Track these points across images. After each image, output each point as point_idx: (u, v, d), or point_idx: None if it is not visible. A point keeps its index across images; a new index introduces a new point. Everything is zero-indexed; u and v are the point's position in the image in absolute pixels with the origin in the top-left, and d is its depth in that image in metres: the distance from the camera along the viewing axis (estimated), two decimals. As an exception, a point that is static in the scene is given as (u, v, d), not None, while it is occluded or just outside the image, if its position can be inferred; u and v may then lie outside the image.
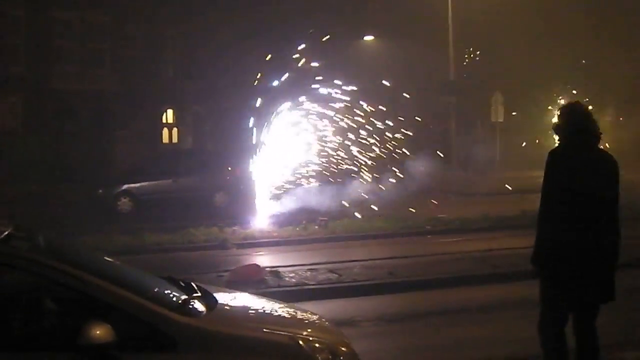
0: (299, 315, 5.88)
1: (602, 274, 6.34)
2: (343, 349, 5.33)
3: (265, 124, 20.57)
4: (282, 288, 11.96)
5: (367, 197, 22.14)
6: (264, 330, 5.18)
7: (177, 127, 40.68)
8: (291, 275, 13.10)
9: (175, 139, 40.60)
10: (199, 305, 5.26)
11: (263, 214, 20.75)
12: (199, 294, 5.50)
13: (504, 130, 37.25)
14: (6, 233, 5.19)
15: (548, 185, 6.40)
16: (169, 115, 40.64)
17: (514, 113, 40.51)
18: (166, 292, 5.46)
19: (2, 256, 4.85)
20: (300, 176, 21.36)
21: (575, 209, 6.24)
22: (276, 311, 5.87)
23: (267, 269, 13.28)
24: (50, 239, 5.63)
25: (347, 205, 21.27)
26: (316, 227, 19.40)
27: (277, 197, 21.05)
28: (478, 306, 11.20)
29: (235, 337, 4.94)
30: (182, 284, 5.81)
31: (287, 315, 5.83)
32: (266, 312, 5.86)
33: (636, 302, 10.27)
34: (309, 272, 13.32)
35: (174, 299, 5.32)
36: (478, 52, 40.15)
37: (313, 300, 11.05)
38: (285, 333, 5.18)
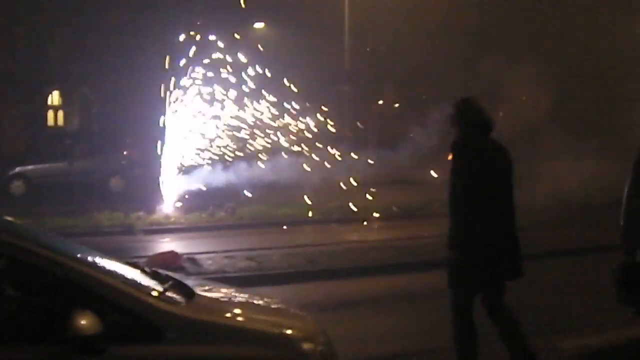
0: (274, 304, 5.72)
1: (510, 253, 6.82)
2: (322, 338, 5.21)
3: (170, 104, 19.94)
4: (202, 275, 11.66)
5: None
6: (250, 319, 5.00)
7: (62, 110, 39.41)
8: (209, 262, 12.93)
9: (60, 121, 39.32)
10: (177, 294, 4.98)
11: (167, 199, 20.12)
12: (174, 282, 5.23)
13: (390, 120, 37.39)
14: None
15: (456, 174, 6.76)
16: (54, 97, 39.34)
17: (396, 105, 40.64)
18: (141, 279, 5.16)
19: None
20: (208, 159, 20.73)
21: (482, 195, 6.66)
22: (253, 300, 5.66)
23: (184, 255, 13.02)
24: (11, 222, 5.29)
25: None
26: (223, 213, 19.10)
27: (182, 181, 20.45)
28: (401, 294, 11.17)
29: (224, 327, 4.73)
30: (147, 271, 5.52)
31: (264, 304, 5.64)
32: (243, 300, 5.65)
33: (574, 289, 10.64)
34: (226, 260, 13.14)
35: (153, 286, 5.00)
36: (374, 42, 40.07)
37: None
38: (271, 321, 5.03)
